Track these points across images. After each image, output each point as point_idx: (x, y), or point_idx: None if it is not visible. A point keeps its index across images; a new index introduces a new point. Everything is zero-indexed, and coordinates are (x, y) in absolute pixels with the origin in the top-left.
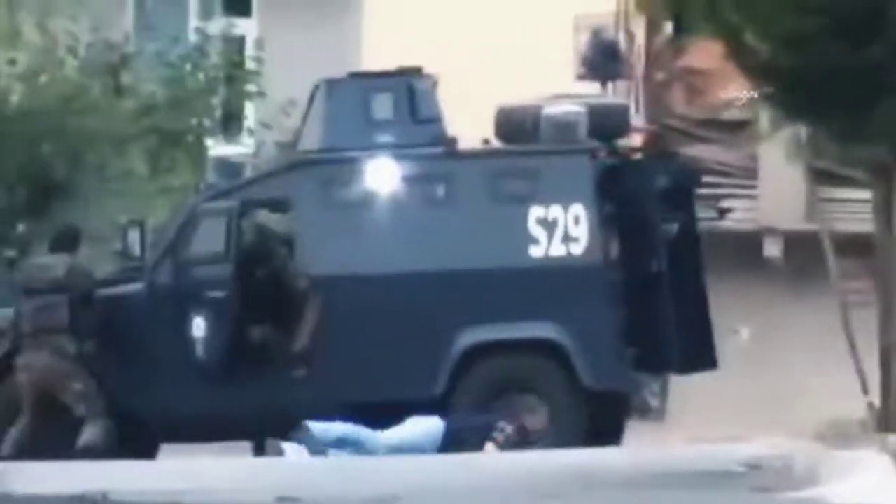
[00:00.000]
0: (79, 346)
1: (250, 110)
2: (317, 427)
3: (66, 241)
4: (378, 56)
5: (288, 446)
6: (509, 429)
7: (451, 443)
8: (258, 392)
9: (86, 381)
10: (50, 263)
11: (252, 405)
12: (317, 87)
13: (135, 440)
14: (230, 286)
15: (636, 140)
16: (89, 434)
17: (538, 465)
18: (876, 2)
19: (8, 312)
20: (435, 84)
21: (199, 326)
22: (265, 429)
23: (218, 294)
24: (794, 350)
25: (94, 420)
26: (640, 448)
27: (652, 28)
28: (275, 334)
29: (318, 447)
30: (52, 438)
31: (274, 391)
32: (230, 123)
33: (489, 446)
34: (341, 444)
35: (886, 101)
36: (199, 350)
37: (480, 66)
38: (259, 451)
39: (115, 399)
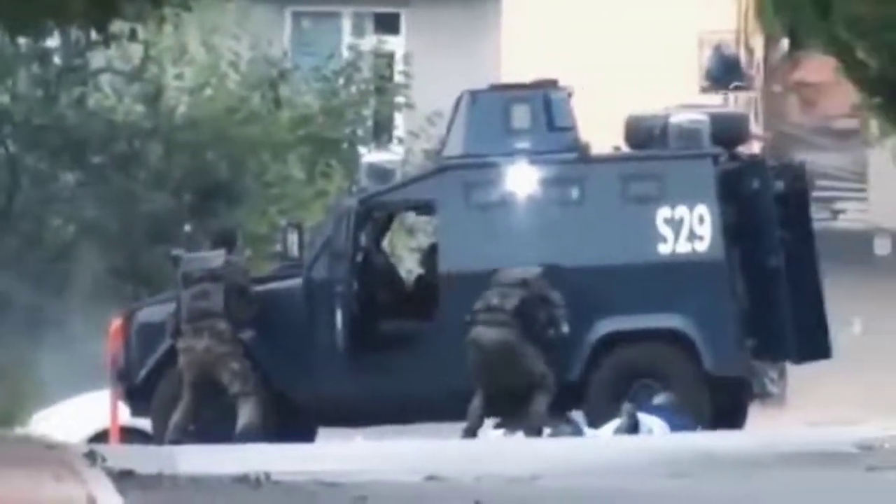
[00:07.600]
0: (234, 331)
1: (399, 120)
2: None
3: (225, 238)
4: (516, 71)
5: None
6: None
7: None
8: (393, 379)
9: (241, 362)
10: (207, 257)
11: (390, 391)
12: (460, 98)
13: (293, 423)
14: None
15: (755, 147)
16: (245, 414)
17: (666, 447)
18: None
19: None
20: (570, 95)
21: (338, 318)
22: (408, 414)
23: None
24: None
25: (247, 398)
26: (761, 430)
27: (769, 44)
28: (400, 326)
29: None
30: (210, 419)
31: (407, 378)
32: (381, 132)
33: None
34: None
35: None
36: (339, 339)
37: (611, 80)
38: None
39: (273, 383)
